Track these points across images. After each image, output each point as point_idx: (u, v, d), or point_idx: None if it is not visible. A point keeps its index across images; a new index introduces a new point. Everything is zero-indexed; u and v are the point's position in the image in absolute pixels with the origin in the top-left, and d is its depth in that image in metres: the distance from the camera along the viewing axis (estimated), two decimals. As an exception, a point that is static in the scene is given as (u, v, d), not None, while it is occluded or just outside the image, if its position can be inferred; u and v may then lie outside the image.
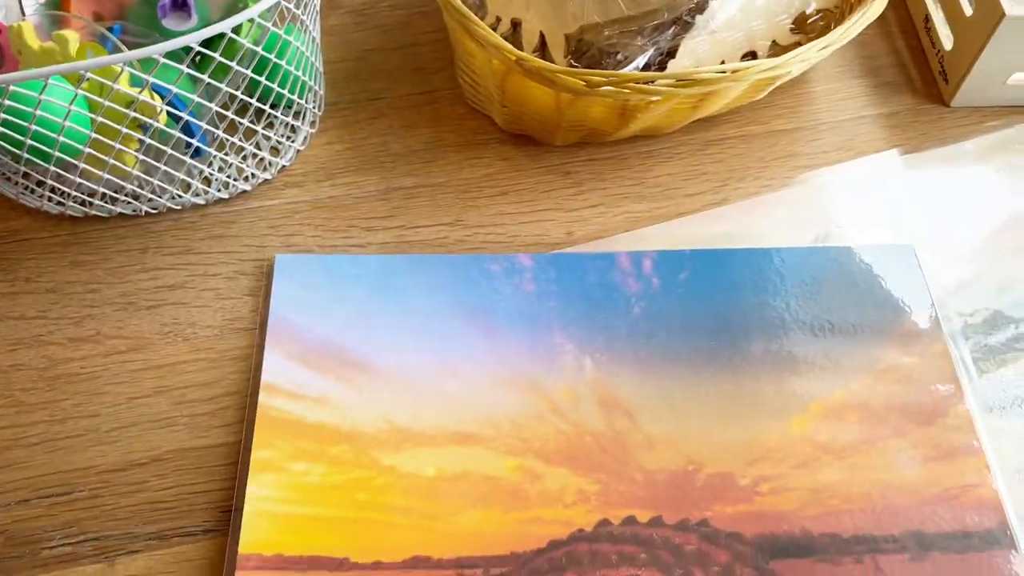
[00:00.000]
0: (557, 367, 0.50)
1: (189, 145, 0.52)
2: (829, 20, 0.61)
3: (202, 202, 0.56)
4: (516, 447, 0.48)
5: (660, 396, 0.50)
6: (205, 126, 0.52)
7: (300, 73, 0.55)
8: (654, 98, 0.52)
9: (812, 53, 0.54)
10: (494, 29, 0.56)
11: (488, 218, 0.57)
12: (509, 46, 0.52)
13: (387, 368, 0.50)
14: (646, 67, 0.57)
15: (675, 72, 0.54)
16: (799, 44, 0.56)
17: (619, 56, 0.56)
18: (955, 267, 0.55)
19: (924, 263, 0.54)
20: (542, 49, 0.59)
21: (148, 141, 0.50)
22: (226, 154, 0.55)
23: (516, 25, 0.59)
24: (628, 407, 0.49)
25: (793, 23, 0.61)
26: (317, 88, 0.59)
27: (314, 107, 0.60)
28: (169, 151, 0.51)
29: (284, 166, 0.59)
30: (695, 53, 0.57)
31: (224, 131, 0.53)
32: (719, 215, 0.57)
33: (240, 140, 0.54)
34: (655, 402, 0.49)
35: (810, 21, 0.61)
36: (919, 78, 0.65)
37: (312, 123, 0.60)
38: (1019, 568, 0.44)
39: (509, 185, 0.59)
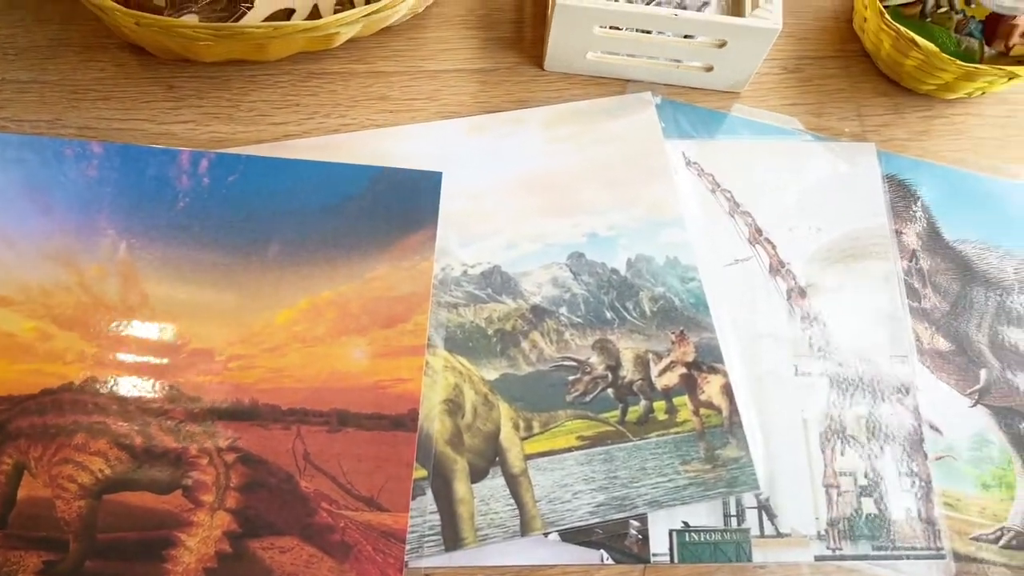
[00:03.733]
0: (95, 247, 0.59)
1: None
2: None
3: None
4: (38, 312, 0.58)
5: (176, 281, 0.59)
6: None
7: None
8: (203, 43, 0.58)
9: (356, 18, 0.60)
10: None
11: (85, 121, 0.64)
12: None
13: (-50, 233, 0.59)
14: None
15: (218, 24, 0.59)
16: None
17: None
18: (477, 222, 0.62)
19: (454, 205, 0.62)
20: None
21: None
22: None
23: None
24: (145, 287, 0.59)
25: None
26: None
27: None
28: None
29: (-89, 48, 0.65)
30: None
31: None
32: (290, 147, 0.64)
33: None
34: (169, 285, 0.59)
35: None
36: (531, 38, 0.69)
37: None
38: (411, 446, 0.55)
39: (114, 91, 0.65)
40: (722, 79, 0.67)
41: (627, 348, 0.60)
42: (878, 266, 0.63)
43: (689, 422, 0.58)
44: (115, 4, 0.58)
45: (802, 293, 0.63)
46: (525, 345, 0.60)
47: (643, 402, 0.59)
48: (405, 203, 0.62)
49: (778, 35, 0.61)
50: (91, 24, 0.67)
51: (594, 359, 0.59)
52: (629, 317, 0.61)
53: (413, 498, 0.55)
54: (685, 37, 0.64)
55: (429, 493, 0.55)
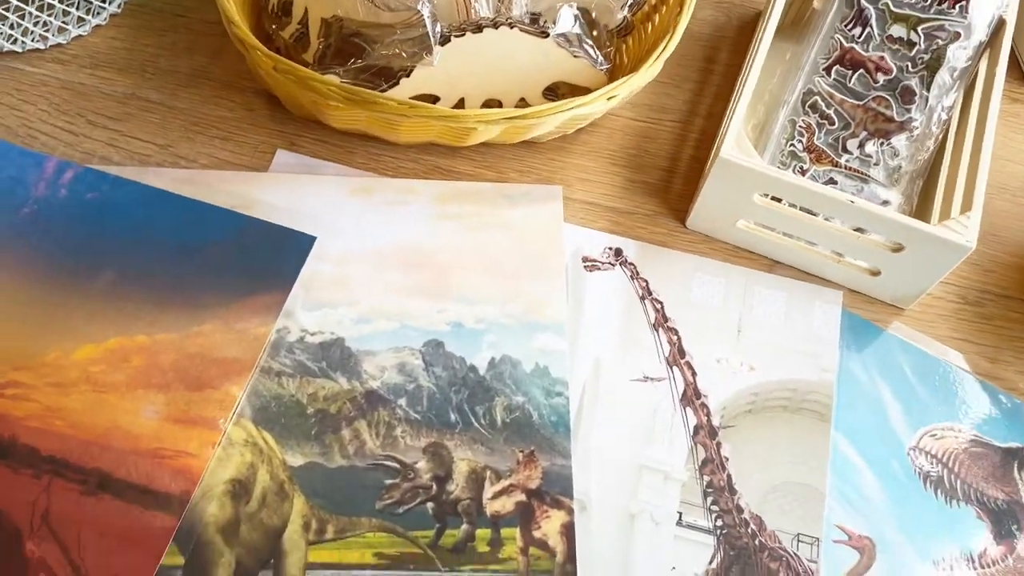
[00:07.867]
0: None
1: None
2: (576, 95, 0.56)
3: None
4: None
5: (-9, 290, 0.53)
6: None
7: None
8: (332, 103, 0.54)
9: (498, 118, 0.54)
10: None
11: (196, 154, 0.60)
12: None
13: None
14: (380, 73, 0.58)
15: (352, 87, 0.54)
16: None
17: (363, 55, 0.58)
18: (330, 286, 0.55)
19: (311, 265, 0.55)
20: (306, 25, 0.61)
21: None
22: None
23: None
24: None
25: (550, 89, 0.60)
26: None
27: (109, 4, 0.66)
28: None
29: (60, 43, 0.65)
30: (430, 79, 0.57)
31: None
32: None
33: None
34: (-20, 295, 0.53)
35: (561, 92, 0.60)
36: (679, 191, 0.62)
37: (105, 16, 0.66)
38: (165, 536, 0.46)
39: (235, 133, 0.62)
40: (887, 288, 0.57)
41: (463, 459, 0.50)
42: (810, 427, 0.53)
43: (513, 560, 0.47)
44: (258, 43, 0.55)
45: (712, 433, 0.52)
46: (346, 433, 0.51)
47: (465, 526, 0.48)
48: (265, 261, 0.55)
49: (968, 255, 0.52)
50: (237, 64, 0.64)
51: (421, 464, 0.50)
52: (475, 423, 0.51)
53: (152, 594, 0.45)
54: (855, 229, 0.56)
55: (175, 589, 0.45)
